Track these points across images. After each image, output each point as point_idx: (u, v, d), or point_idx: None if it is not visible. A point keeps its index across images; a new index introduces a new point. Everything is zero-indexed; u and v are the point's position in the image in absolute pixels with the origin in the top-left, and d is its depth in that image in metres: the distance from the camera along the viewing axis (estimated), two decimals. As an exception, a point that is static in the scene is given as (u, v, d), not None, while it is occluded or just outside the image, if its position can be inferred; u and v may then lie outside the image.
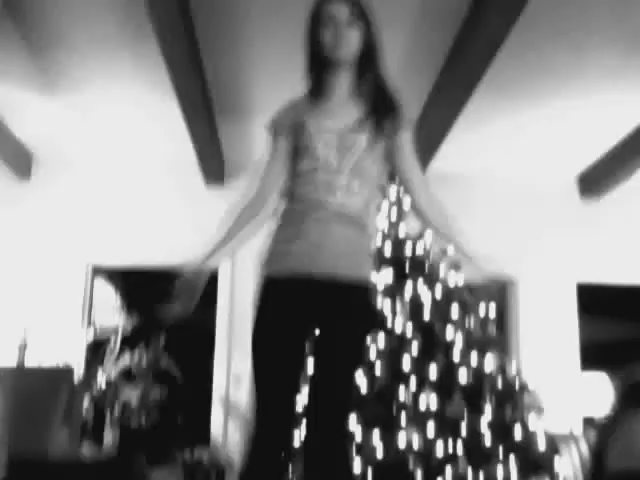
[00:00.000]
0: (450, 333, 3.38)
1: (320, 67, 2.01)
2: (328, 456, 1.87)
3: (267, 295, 1.95)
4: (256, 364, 1.91)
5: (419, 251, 3.65)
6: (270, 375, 1.89)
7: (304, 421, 1.91)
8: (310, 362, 1.93)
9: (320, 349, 1.93)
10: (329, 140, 1.95)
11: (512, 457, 3.21)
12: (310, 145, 1.96)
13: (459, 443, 3.16)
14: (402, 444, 3.09)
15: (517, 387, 3.46)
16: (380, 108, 2.01)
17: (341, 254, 1.93)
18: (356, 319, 1.96)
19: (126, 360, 4.30)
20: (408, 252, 3.62)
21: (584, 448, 4.13)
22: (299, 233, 1.92)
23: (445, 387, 3.24)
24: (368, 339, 2.20)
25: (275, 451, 1.84)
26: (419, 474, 3.05)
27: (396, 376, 3.25)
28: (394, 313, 3.42)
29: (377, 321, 3.36)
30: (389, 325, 3.39)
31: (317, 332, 1.94)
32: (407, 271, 3.58)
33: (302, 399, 1.96)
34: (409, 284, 3.52)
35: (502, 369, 3.48)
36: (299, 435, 1.99)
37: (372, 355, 3.29)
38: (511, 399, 3.39)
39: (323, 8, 1.98)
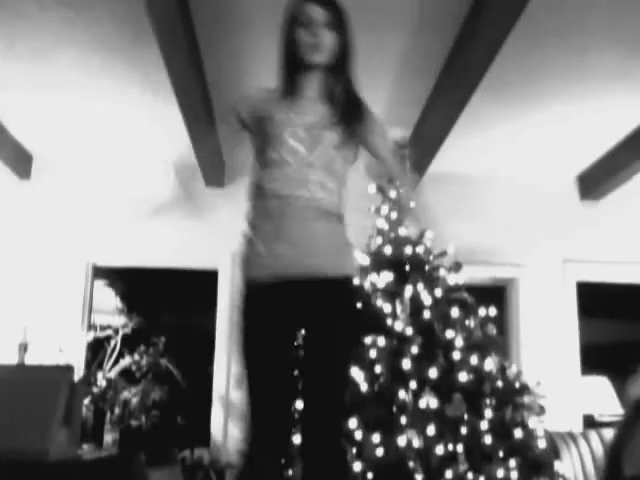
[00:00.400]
0: (450, 333, 3.38)
1: (293, 67, 2.02)
2: (326, 458, 1.87)
3: (252, 300, 1.94)
4: (249, 371, 1.91)
5: (419, 251, 3.66)
6: (263, 381, 1.89)
7: (300, 423, 1.91)
8: (301, 362, 1.93)
9: (312, 348, 1.92)
10: (299, 134, 1.96)
11: (512, 457, 3.21)
12: (279, 138, 1.96)
13: (459, 443, 3.16)
14: (402, 444, 3.09)
15: (517, 387, 3.46)
16: (349, 115, 2.02)
17: (323, 251, 1.93)
18: (345, 314, 1.95)
19: (126, 360, 4.30)
20: (408, 252, 3.62)
21: (584, 448, 4.13)
22: (277, 232, 1.91)
23: (445, 387, 3.24)
24: (359, 333, 2.22)
25: (271, 456, 1.84)
26: (419, 475, 3.05)
27: (396, 376, 3.26)
28: (394, 313, 3.42)
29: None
30: (389, 325, 3.40)
31: (306, 332, 1.93)
32: (407, 271, 3.58)
33: (297, 401, 1.96)
34: (409, 284, 3.52)
35: (502, 369, 3.48)
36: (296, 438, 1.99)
37: (372, 355, 3.29)
38: (511, 399, 3.39)
39: (301, 9, 1.99)
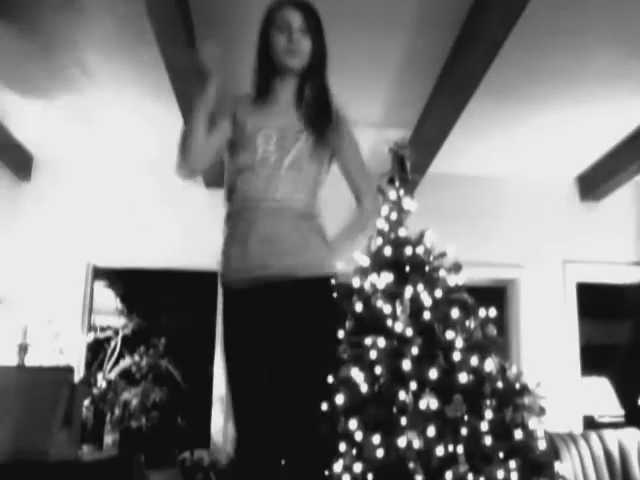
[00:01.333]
0: (450, 334, 3.38)
1: (268, 71, 2.05)
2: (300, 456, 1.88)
3: (229, 304, 1.97)
4: (230, 373, 1.94)
5: (419, 252, 3.65)
6: (244, 385, 1.91)
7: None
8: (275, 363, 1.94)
9: (287, 349, 1.93)
10: (268, 136, 1.98)
11: (513, 458, 3.21)
12: (249, 140, 1.98)
13: (459, 444, 3.15)
14: (402, 445, 3.09)
15: (517, 388, 3.46)
16: (318, 120, 2.03)
17: (295, 251, 1.94)
18: (320, 313, 1.96)
19: (126, 361, 4.30)
20: (408, 253, 3.62)
21: (584, 449, 4.12)
22: (252, 233, 1.93)
23: (446, 388, 3.24)
24: (339, 332, 2.22)
25: (259, 460, 1.85)
26: (419, 476, 3.05)
27: (396, 377, 3.25)
28: (394, 314, 3.42)
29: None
30: (389, 326, 3.39)
31: (280, 331, 1.94)
32: (407, 272, 3.58)
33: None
34: (409, 285, 3.51)
35: (502, 370, 3.48)
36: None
37: (372, 356, 3.29)
38: (511, 400, 3.38)
39: (278, 14, 2.02)
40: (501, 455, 3.21)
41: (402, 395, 3.20)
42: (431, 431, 3.12)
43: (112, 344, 4.37)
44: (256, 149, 1.97)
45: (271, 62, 2.04)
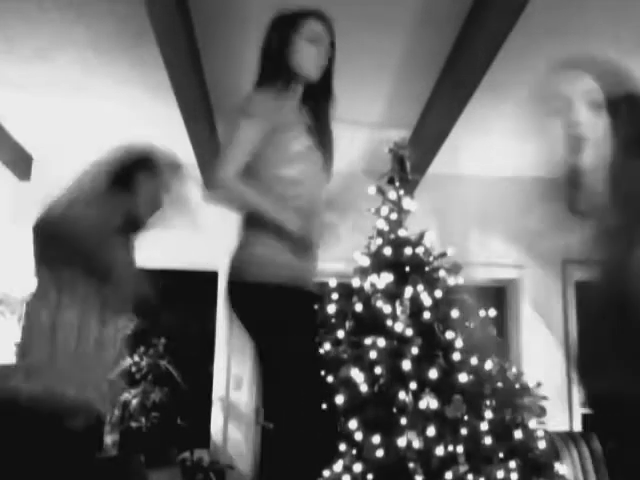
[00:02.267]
0: (450, 334, 3.38)
1: (281, 72, 2.02)
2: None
3: (286, 303, 1.93)
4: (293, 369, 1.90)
5: (419, 252, 3.65)
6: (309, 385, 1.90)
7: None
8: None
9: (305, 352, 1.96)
10: (304, 154, 1.98)
11: (512, 459, 3.21)
12: (295, 154, 1.96)
13: (459, 445, 3.15)
14: (402, 445, 3.09)
15: (517, 388, 3.46)
16: (327, 137, 2.07)
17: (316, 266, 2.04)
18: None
19: (126, 361, 4.30)
20: (408, 253, 3.62)
21: (584, 449, 4.12)
22: (293, 245, 1.95)
23: (445, 388, 3.24)
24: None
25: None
26: (419, 476, 3.05)
27: (396, 377, 3.25)
28: (394, 314, 3.42)
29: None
30: (389, 326, 3.39)
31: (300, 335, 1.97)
32: (407, 272, 3.58)
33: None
34: (409, 285, 3.51)
35: (502, 370, 3.48)
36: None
37: (372, 356, 3.29)
38: (511, 400, 3.39)
39: (307, 24, 2.00)
40: (501, 455, 3.22)
41: (402, 395, 3.20)
42: (431, 431, 3.12)
43: (112, 344, 4.36)
44: (298, 165, 1.96)
45: (285, 65, 2.01)
